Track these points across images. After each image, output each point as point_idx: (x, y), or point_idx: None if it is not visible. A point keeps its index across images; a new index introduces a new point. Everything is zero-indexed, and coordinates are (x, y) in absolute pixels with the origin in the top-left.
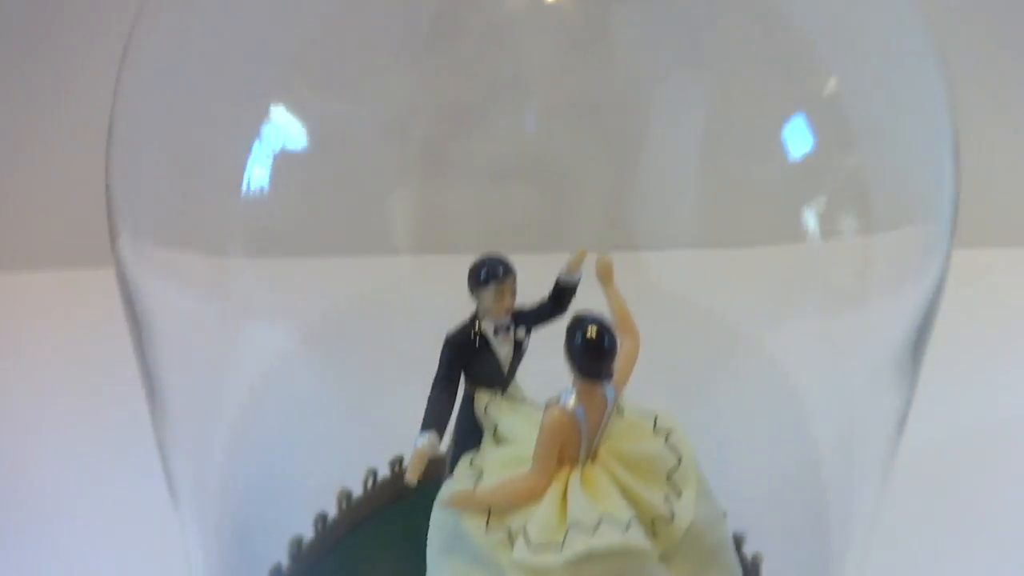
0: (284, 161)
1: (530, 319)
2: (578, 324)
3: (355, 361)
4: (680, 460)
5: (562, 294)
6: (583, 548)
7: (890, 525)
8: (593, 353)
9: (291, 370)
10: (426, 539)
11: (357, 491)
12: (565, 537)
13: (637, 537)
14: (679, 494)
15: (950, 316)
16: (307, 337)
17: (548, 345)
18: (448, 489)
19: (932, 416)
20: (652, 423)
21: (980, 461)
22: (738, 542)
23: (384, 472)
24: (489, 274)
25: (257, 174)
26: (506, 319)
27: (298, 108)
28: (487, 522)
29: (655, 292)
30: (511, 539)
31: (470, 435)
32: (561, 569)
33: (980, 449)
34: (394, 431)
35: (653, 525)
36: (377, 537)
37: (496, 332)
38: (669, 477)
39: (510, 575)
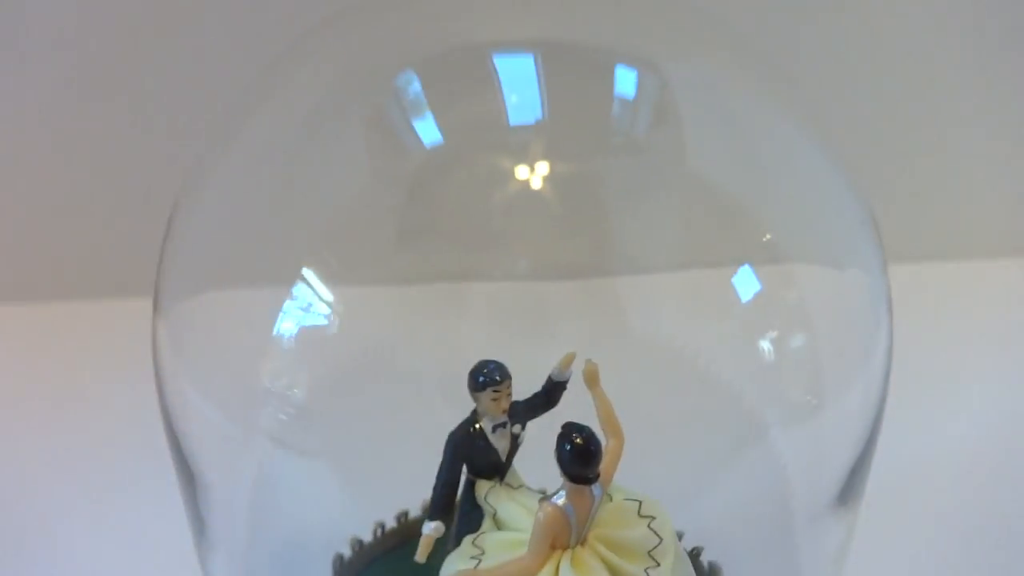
0: (308, 316)
1: (524, 415)
2: (566, 435)
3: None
4: (661, 541)
5: (554, 389)
6: None
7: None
8: (580, 461)
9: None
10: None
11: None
12: None
13: None
14: (658, 565)
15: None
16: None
17: None
18: (452, 566)
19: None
20: (637, 509)
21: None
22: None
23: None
24: (487, 380)
25: (286, 325)
26: (503, 417)
27: (324, 273)
28: None
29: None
30: None
31: (471, 514)
32: None
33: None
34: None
35: None
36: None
37: (494, 429)
38: (649, 553)
39: None
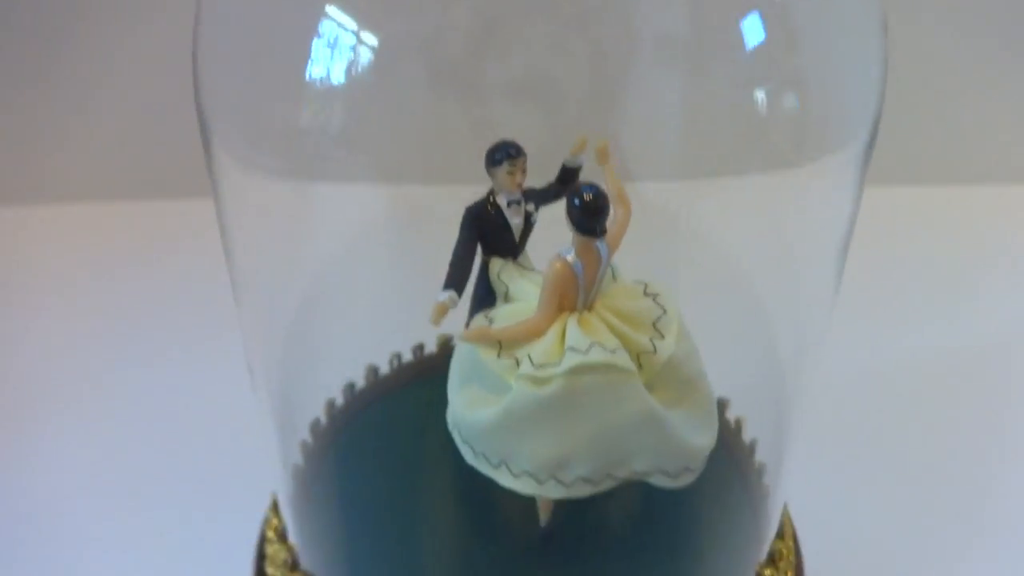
0: (337, 55)
1: (539, 197)
2: (577, 191)
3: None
4: (665, 312)
5: (567, 176)
6: (577, 362)
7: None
8: (588, 212)
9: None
10: (439, 412)
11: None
12: (563, 357)
13: (623, 358)
14: (662, 337)
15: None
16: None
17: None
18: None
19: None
20: (644, 288)
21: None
22: (723, 406)
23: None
24: (503, 154)
25: (316, 68)
26: (517, 194)
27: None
28: (498, 353)
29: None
30: (518, 364)
31: (485, 298)
32: (559, 376)
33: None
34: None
35: (639, 359)
36: (400, 404)
37: (509, 205)
38: (654, 324)
39: (516, 386)
